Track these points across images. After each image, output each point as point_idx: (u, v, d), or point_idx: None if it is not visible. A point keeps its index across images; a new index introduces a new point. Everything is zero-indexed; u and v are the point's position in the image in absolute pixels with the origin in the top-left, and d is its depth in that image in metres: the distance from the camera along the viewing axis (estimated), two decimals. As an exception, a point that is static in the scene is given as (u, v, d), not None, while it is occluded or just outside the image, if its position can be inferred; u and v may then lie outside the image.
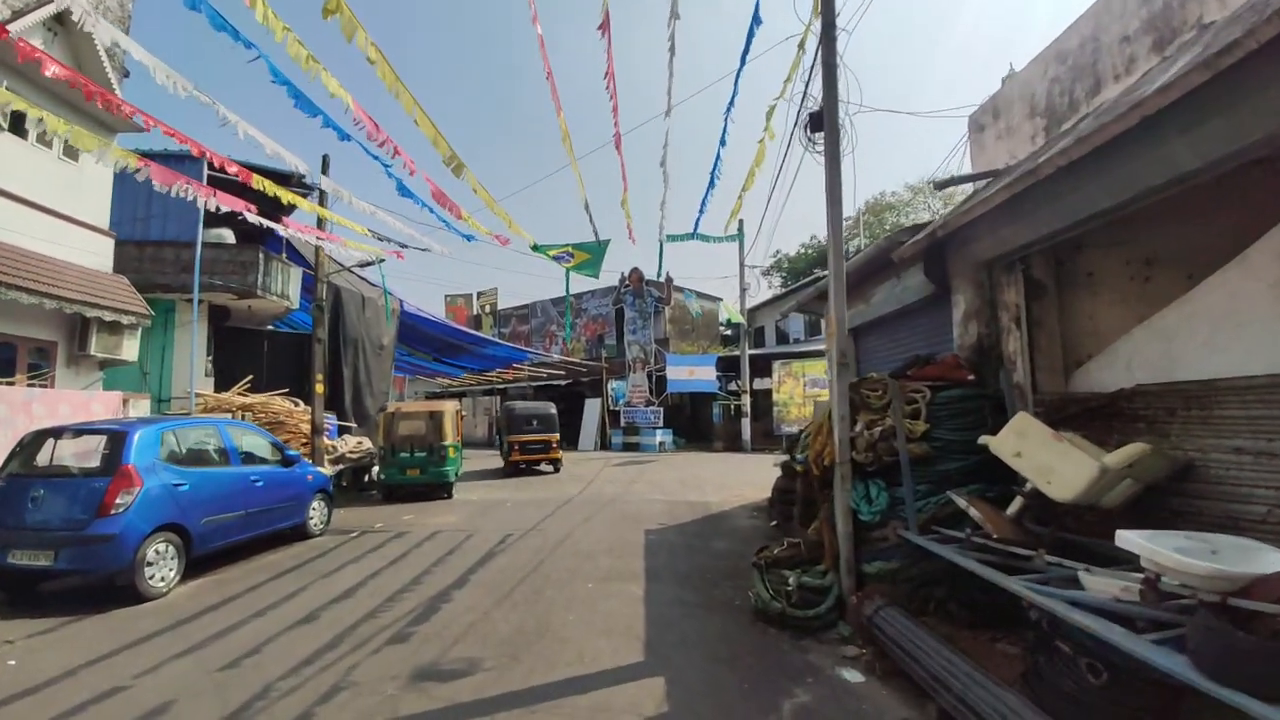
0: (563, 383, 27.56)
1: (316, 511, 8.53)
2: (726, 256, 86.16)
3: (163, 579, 5.82)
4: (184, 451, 6.53)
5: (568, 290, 11.37)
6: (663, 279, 24.35)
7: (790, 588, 4.86)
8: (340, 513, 10.51)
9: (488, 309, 34.99)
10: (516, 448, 15.96)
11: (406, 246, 11.91)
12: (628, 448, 23.22)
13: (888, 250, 6.10)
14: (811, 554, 5.51)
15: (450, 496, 12.08)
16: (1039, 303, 4.94)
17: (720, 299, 31.82)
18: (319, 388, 12.24)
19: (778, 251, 39.74)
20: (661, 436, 22.81)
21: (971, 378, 5.17)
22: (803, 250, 39.60)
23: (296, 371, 14.74)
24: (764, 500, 11.16)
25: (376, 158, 7.71)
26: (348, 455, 12.79)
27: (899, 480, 4.70)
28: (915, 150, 76.45)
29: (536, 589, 5.78)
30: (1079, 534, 3.83)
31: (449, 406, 12.36)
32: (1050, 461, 3.63)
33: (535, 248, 10.64)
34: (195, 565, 6.37)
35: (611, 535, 8.14)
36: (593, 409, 25.11)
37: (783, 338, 31.00)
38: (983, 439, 4.15)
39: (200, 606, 5.46)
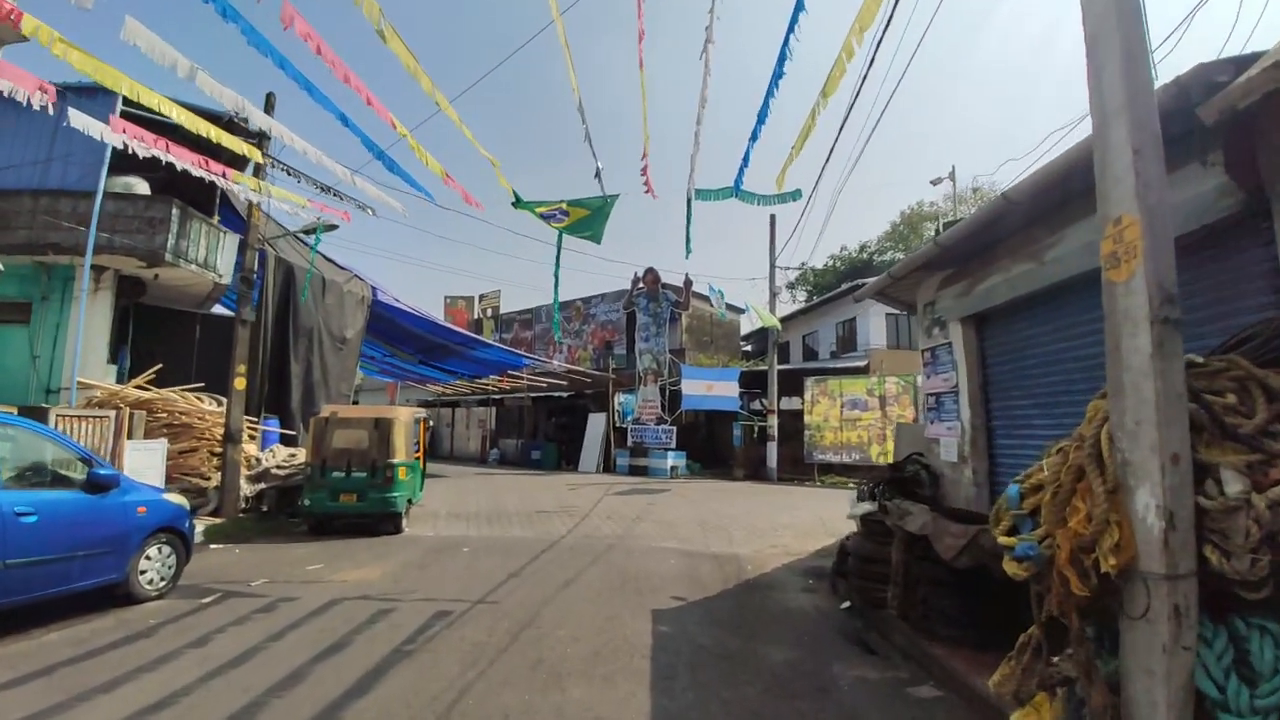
0: (565, 394, 24.77)
1: (153, 562, 5.65)
2: (748, 259, 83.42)
3: None
4: None
5: (558, 262, 8.53)
6: (682, 281, 21.56)
7: None
8: (229, 555, 7.62)
9: (489, 312, 32.42)
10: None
11: (364, 207, 9.19)
12: (634, 471, 20.25)
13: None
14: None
15: (398, 531, 9.17)
16: None
17: (742, 309, 29.04)
18: (238, 382, 9.46)
19: (803, 264, 36.87)
20: (673, 460, 19.84)
21: None
22: (831, 263, 36.68)
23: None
24: (812, 554, 8.16)
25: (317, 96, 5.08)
26: (273, 471, 9.95)
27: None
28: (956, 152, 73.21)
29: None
30: None
31: (402, 414, 9.50)
32: None
33: (518, 203, 7.86)
34: None
35: (600, 621, 5.18)
36: (596, 425, 22.25)
37: (810, 353, 27.98)
38: None
39: None
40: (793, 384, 20.71)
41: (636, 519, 10.86)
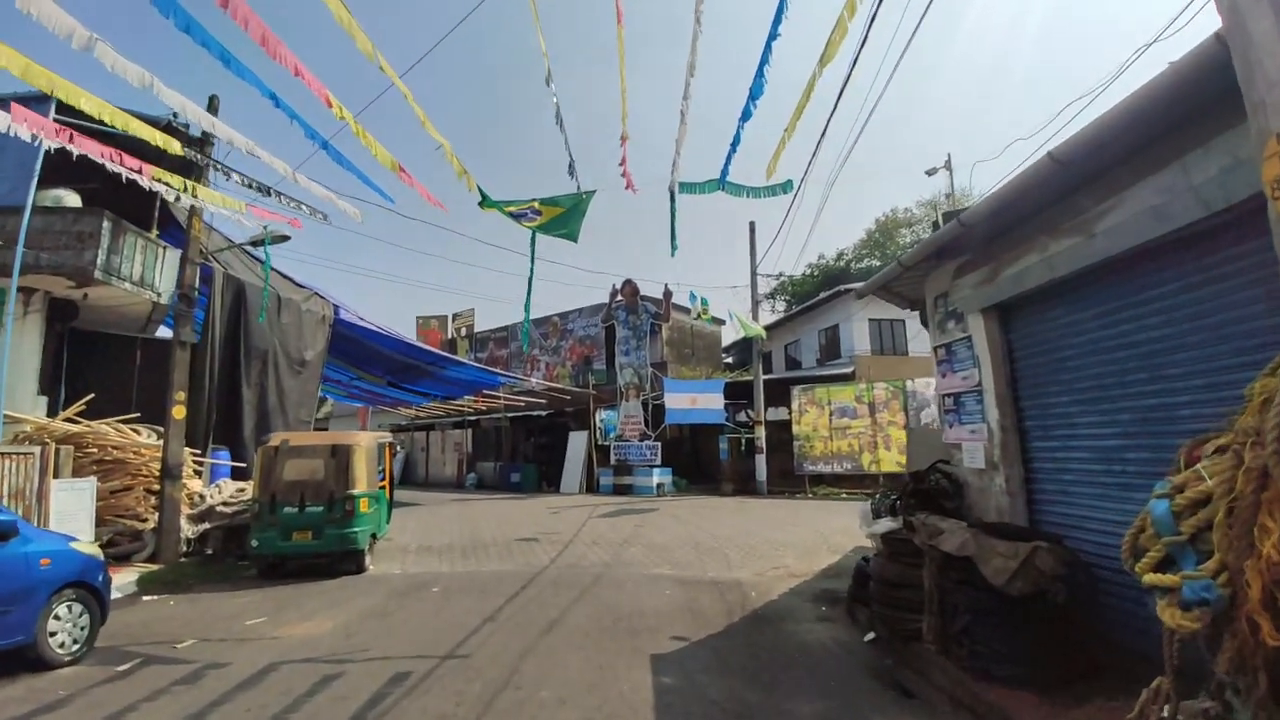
0: (544, 413, 23.90)
1: (63, 622, 4.75)
2: (728, 268, 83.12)
3: None
4: None
5: (532, 265, 7.81)
6: (661, 293, 20.95)
7: None
8: (161, 608, 6.65)
9: (463, 332, 31.43)
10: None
11: (314, 212, 8.37)
12: (619, 490, 19.41)
13: None
14: None
15: (361, 570, 8.24)
16: None
17: (724, 321, 28.57)
18: (177, 411, 8.53)
19: (781, 274, 36.55)
20: (659, 477, 19.03)
21: None
22: (809, 272, 36.47)
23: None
24: (819, 574, 7.48)
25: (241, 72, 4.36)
26: (218, 509, 8.95)
27: None
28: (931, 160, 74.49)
29: None
30: None
31: (362, 439, 8.62)
32: None
33: (485, 202, 7.13)
34: None
35: (591, 674, 4.39)
36: (578, 444, 21.37)
37: (793, 363, 27.52)
38: None
39: None
40: (779, 394, 20.14)
41: (625, 543, 10.06)
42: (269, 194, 7.28)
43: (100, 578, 5.11)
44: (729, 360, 31.30)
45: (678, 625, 5.54)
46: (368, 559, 8.47)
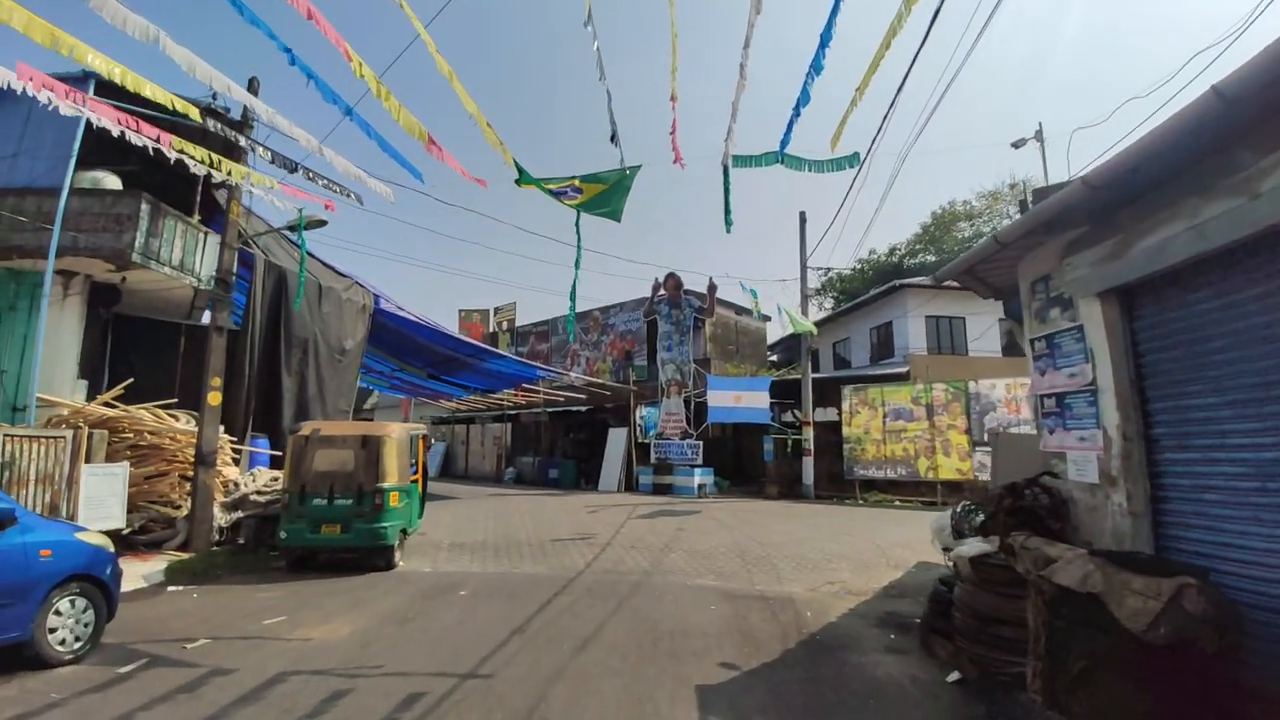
0: (583, 408, 23.50)
1: (65, 618, 4.45)
2: (774, 262, 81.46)
3: None
4: None
5: (579, 248, 7.27)
6: (705, 287, 20.21)
7: None
8: (183, 601, 6.39)
9: (505, 325, 31.36)
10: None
11: (346, 192, 8.04)
12: (659, 490, 18.80)
13: None
14: None
15: (390, 567, 7.89)
16: None
17: (769, 317, 27.67)
18: (213, 398, 8.36)
19: (829, 270, 35.19)
20: (700, 477, 18.34)
21: None
22: (860, 268, 35.04)
23: (222, 379, 10.89)
24: (879, 593, 6.72)
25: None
26: (251, 498, 8.75)
27: None
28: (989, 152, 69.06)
29: None
30: None
31: (394, 430, 8.26)
32: None
33: (523, 179, 6.62)
34: None
35: (629, 707, 3.80)
36: (617, 441, 20.87)
37: (841, 362, 26.37)
38: None
39: None
40: (828, 393, 19.19)
41: (665, 548, 9.45)
42: (295, 170, 6.93)
43: (108, 570, 4.81)
44: (773, 359, 30.32)
45: (726, 649, 4.90)
46: (397, 555, 8.12)
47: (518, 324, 30.92)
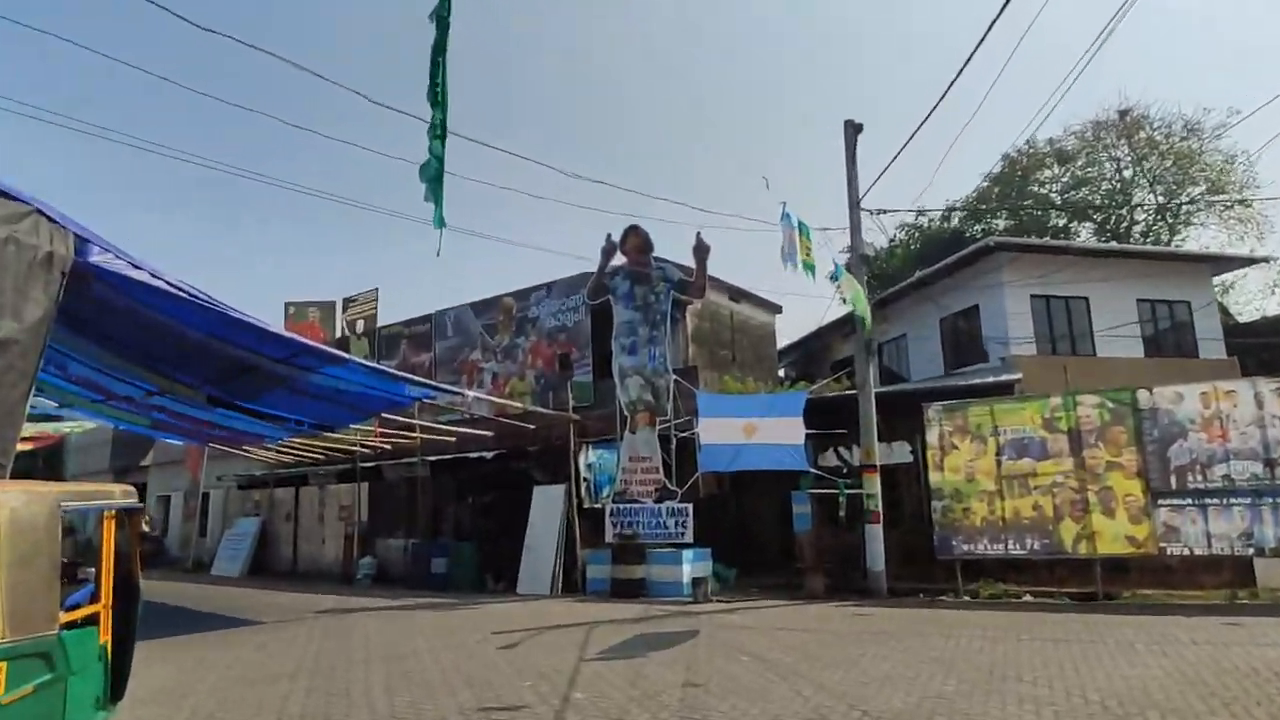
0: (489, 453, 20.16)
1: None
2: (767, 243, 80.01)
3: None
4: None
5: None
6: (691, 248, 17.25)
7: None
8: None
9: (360, 326, 28.34)
10: None
11: None
12: (619, 589, 15.55)
13: None
14: None
15: None
16: None
17: (780, 306, 25.17)
18: None
19: (883, 213, 33.84)
20: (693, 567, 15.33)
21: None
22: (904, 238, 33.25)
23: None
24: None
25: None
26: None
27: None
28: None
29: None
30: None
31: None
32: None
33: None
34: None
35: None
36: (548, 507, 17.87)
37: (889, 375, 23.63)
38: None
39: None
40: (894, 419, 16.35)
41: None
42: None
43: None
44: (783, 369, 28.10)
45: None
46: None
47: (381, 323, 27.97)
